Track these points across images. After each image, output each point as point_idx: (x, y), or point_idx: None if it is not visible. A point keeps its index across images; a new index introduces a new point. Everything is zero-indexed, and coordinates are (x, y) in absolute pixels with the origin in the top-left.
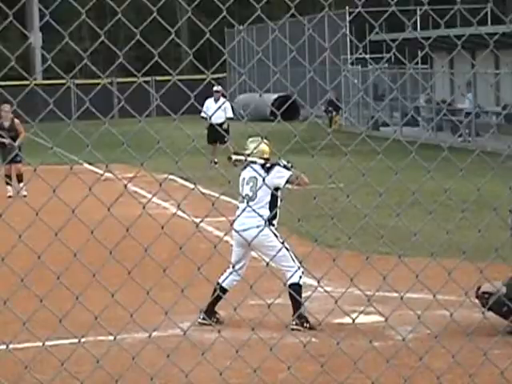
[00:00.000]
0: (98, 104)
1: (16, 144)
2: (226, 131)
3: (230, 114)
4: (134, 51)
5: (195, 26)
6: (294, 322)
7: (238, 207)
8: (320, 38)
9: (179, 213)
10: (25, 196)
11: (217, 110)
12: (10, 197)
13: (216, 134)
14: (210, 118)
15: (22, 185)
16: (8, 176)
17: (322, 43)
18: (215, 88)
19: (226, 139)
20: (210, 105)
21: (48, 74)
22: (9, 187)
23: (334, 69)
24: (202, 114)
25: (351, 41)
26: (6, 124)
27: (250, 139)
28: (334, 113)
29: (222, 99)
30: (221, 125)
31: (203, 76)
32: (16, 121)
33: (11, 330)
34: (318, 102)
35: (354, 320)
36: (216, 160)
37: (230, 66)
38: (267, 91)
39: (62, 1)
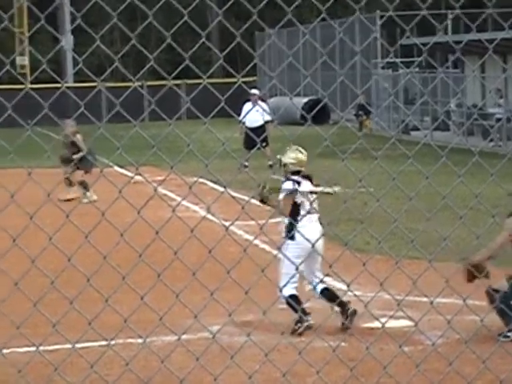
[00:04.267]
0: (129, 107)
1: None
2: (264, 136)
3: (268, 117)
4: (164, 54)
5: (226, 29)
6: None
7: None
8: (351, 42)
9: (209, 216)
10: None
11: (248, 113)
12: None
13: (254, 140)
14: (240, 121)
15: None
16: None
17: (352, 47)
18: (252, 91)
19: (264, 144)
20: (247, 109)
21: (79, 76)
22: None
23: (364, 73)
24: (241, 118)
25: (382, 45)
26: (69, 140)
27: (291, 148)
28: (365, 117)
29: (260, 103)
30: (258, 128)
31: (234, 79)
32: (78, 137)
33: (41, 332)
34: (348, 106)
35: (383, 324)
36: (246, 164)
37: (260, 69)
38: (297, 95)
39: (93, 4)
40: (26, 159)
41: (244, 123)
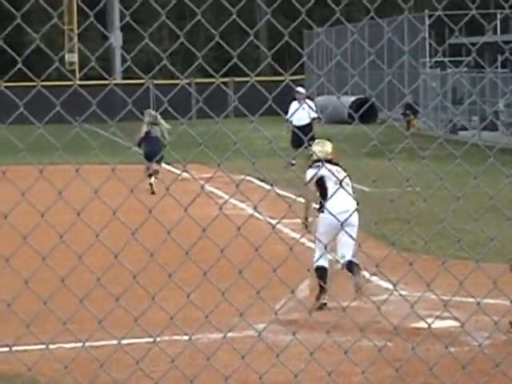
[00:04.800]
0: (177, 104)
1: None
2: (311, 134)
3: (315, 115)
4: (212, 52)
5: (274, 27)
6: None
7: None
8: (399, 41)
9: (256, 214)
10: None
11: (295, 111)
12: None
13: (301, 138)
14: (287, 120)
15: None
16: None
17: (399, 46)
18: (298, 89)
19: (311, 142)
20: (294, 107)
21: (128, 73)
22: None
23: (412, 72)
24: (288, 117)
25: (430, 44)
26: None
27: (317, 141)
28: (412, 116)
29: (306, 101)
30: (305, 127)
31: (282, 78)
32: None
33: (87, 329)
34: (395, 105)
35: (429, 325)
36: (293, 162)
37: (308, 67)
38: (345, 94)
39: (142, 1)
40: (74, 155)
41: (291, 122)
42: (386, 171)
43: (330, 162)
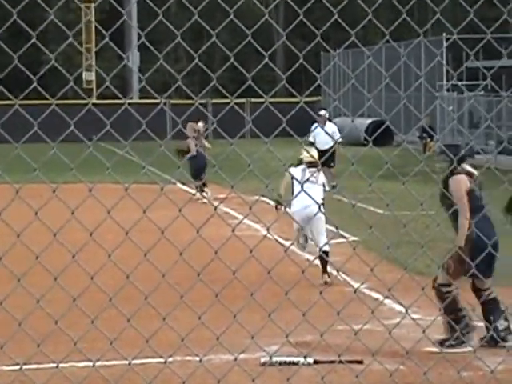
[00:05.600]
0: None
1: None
2: (332, 157)
3: (337, 136)
4: (228, 73)
5: (291, 48)
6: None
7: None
8: (416, 64)
9: (269, 235)
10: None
11: (318, 134)
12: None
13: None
14: (310, 142)
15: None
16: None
17: (416, 70)
18: (320, 112)
19: (332, 164)
20: (318, 130)
21: (144, 93)
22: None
23: (429, 95)
24: (310, 139)
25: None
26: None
27: (305, 147)
28: (429, 139)
29: (328, 124)
30: (328, 151)
31: (297, 99)
32: (189, 141)
33: (99, 348)
34: (412, 128)
35: (441, 349)
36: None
37: (324, 89)
38: (362, 116)
39: (159, 21)
40: (88, 174)
41: (312, 143)
42: (400, 194)
43: (312, 165)
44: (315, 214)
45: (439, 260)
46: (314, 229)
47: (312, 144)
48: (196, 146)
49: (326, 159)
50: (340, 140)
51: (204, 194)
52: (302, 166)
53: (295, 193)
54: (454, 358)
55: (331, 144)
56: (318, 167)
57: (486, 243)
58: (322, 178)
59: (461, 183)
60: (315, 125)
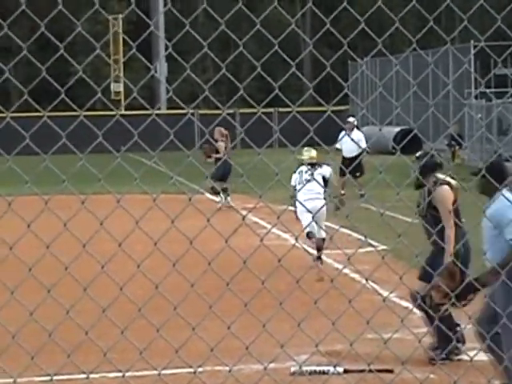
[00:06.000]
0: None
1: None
2: (359, 165)
3: (364, 145)
4: (256, 82)
5: (318, 57)
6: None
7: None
8: (444, 72)
9: (298, 245)
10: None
11: (344, 142)
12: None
13: (347, 168)
14: (337, 149)
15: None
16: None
17: (444, 78)
18: (348, 119)
19: (358, 174)
20: (345, 138)
21: (172, 103)
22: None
23: (457, 103)
24: (337, 146)
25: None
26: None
27: (305, 149)
28: (457, 147)
29: (355, 132)
30: (354, 158)
31: (325, 108)
32: (220, 143)
33: (128, 359)
34: (440, 136)
35: (471, 358)
36: (343, 192)
37: (352, 98)
38: (390, 124)
39: (186, 31)
40: (116, 185)
41: (338, 149)
42: None
43: (312, 164)
44: (320, 209)
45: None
46: (317, 221)
47: (339, 150)
48: (226, 149)
49: (353, 168)
50: (366, 148)
51: (223, 199)
52: (304, 167)
53: (299, 191)
54: (484, 366)
55: (357, 152)
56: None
57: (470, 257)
58: (322, 171)
59: (447, 194)
60: (343, 132)
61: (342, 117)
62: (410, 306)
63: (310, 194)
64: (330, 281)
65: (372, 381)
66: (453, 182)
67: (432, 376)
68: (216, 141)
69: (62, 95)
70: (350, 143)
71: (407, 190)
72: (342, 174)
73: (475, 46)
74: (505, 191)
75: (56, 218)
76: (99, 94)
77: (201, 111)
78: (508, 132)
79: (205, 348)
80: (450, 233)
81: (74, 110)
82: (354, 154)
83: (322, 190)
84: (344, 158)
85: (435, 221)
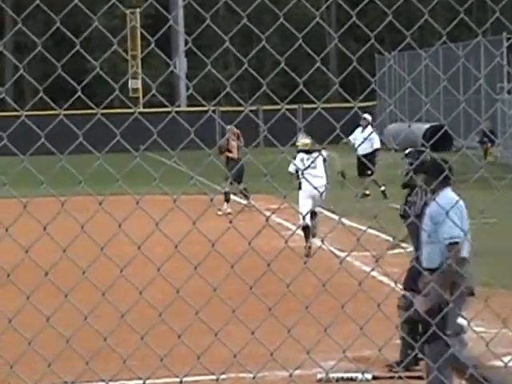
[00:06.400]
0: (244, 132)
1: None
2: (372, 163)
3: (377, 145)
4: (280, 78)
5: (344, 52)
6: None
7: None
8: (476, 65)
9: (324, 247)
10: (229, 213)
11: (362, 141)
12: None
13: (361, 166)
14: (356, 149)
15: (225, 205)
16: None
17: (474, 72)
18: (364, 116)
19: (369, 172)
20: (357, 134)
21: (193, 101)
22: (225, 204)
23: (489, 98)
24: (352, 140)
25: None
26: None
27: (301, 135)
28: (490, 144)
29: (368, 129)
30: (366, 156)
31: (351, 104)
32: (233, 143)
33: (149, 365)
34: (472, 133)
35: (506, 364)
36: (367, 192)
37: (379, 94)
38: (419, 120)
39: (207, 26)
40: (135, 186)
41: (355, 149)
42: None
43: (307, 151)
44: (321, 194)
45: (503, 270)
46: (314, 205)
47: (354, 146)
48: (238, 149)
49: (365, 166)
50: (377, 147)
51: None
52: (304, 155)
53: (303, 176)
54: None
55: (369, 150)
56: (315, 151)
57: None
58: (320, 159)
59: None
60: (358, 129)
61: (370, 113)
62: None
63: (313, 179)
64: (357, 284)
65: None
66: None
67: (465, 382)
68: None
69: (79, 92)
70: (362, 140)
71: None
72: (360, 173)
73: (508, 39)
74: (449, 190)
75: (73, 220)
76: (117, 91)
77: (222, 108)
78: None
79: (228, 354)
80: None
81: (91, 108)
82: (367, 152)
83: (324, 175)
84: (358, 156)
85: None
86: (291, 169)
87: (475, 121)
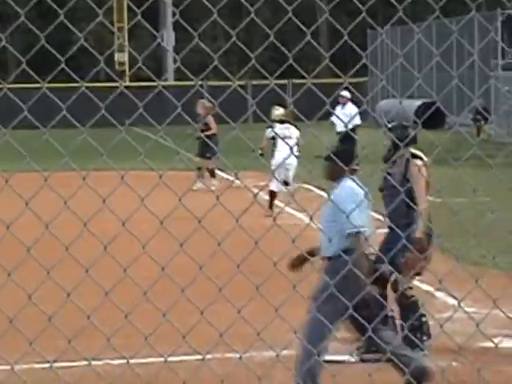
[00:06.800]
0: (232, 107)
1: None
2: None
3: (356, 122)
4: (270, 52)
5: (335, 26)
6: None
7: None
8: (469, 41)
9: (313, 224)
10: (212, 191)
11: (337, 116)
12: (193, 190)
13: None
14: (333, 123)
15: (213, 181)
16: (199, 169)
17: (468, 47)
18: (341, 93)
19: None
20: (336, 111)
21: (181, 75)
22: (197, 181)
23: (483, 74)
24: (332, 119)
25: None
26: (202, 119)
27: (275, 107)
28: (483, 122)
29: (349, 105)
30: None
31: (342, 80)
32: (210, 118)
33: (133, 344)
34: (465, 110)
35: (496, 345)
36: None
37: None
38: (411, 97)
39: None
40: (121, 161)
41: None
42: (452, 180)
43: (282, 122)
44: (290, 164)
45: (495, 249)
46: (286, 175)
47: (333, 124)
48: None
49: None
50: (358, 123)
51: (213, 182)
52: (278, 125)
53: (276, 147)
54: (510, 353)
55: (350, 126)
56: (288, 123)
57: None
58: (295, 132)
59: (423, 170)
60: (339, 106)
61: (361, 89)
62: (432, 289)
63: (286, 150)
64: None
65: (389, 369)
66: (424, 157)
67: (454, 364)
68: (199, 116)
69: (62, 64)
70: (343, 117)
71: (430, 166)
72: None
73: (502, 14)
74: (348, 179)
75: (56, 195)
76: (102, 64)
77: (210, 82)
78: None
79: (214, 334)
80: (423, 209)
81: (76, 82)
82: (342, 129)
83: (296, 150)
84: (337, 133)
85: (406, 195)
86: (268, 134)
87: (468, 98)
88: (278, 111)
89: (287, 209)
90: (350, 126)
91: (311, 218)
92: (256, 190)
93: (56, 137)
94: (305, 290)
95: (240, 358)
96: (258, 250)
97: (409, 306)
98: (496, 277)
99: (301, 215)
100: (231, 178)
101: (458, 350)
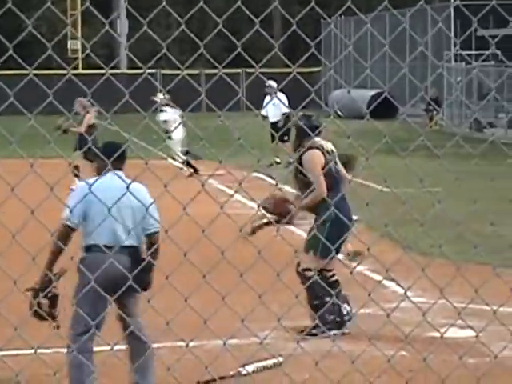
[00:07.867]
0: (185, 96)
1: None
2: (284, 129)
3: (285, 110)
4: (223, 41)
5: (289, 15)
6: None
7: None
8: (423, 32)
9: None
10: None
11: (266, 106)
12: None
13: (276, 133)
14: (263, 116)
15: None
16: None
17: (418, 38)
18: (269, 83)
19: (285, 137)
20: (267, 103)
21: (134, 63)
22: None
23: (436, 65)
24: (262, 112)
25: (455, 35)
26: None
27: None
28: (435, 112)
29: (279, 95)
30: (277, 123)
31: (292, 69)
32: (86, 116)
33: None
34: (413, 100)
35: (442, 334)
36: (278, 160)
37: (325, 59)
38: (364, 87)
39: None
40: (67, 149)
41: (266, 117)
42: (401, 170)
43: (167, 105)
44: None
45: (442, 239)
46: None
47: (265, 117)
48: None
49: (279, 133)
50: (286, 112)
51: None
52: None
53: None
54: (456, 343)
55: (278, 117)
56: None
57: (344, 223)
58: (170, 113)
59: (315, 159)
60: (267, 98)
61: (314, 79)
62: (381, 278)
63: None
64: (294, 252)
65: (338, 357)
66: (328, 146)
67: (402, 353)
68: (78, 114)
69: (10, 51)
70: (272, 108)
71: (380, 156)
72: (272, 139)
73: (456, 6)
74: (112, 173)
75: (3, 182)
76: (50, 51)
77: (163, 71)
78: (489, 97)
79: (161, 322)
80: (317, 196)
81: (26, 69)
82: (277, 119)
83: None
84: (271, 124)
85: (304, 185)
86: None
87: (421, 89)
88: (159, 96)
89: (239, 198)
90: (279, 118)
91: (259, 207)
92: (204, 179)
93: (4, 123)
94: (252, 279)
95: (187, 346)
96: (205, 237)
97: (308, 286)
98: (443, 266)
99: (252, 204)
100: (182, 167)
101: (405, 340)
